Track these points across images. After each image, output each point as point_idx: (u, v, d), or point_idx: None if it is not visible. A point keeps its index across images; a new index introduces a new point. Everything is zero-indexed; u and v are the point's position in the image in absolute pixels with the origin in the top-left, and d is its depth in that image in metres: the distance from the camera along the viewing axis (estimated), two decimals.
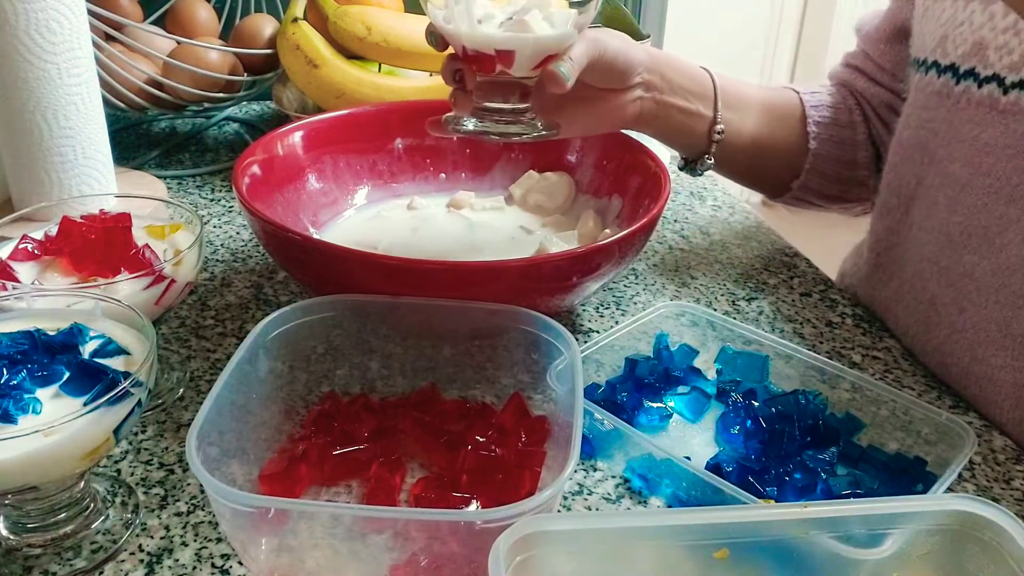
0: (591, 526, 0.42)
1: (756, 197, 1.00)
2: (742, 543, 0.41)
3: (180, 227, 0.62)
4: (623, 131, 0.76)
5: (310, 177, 0.76)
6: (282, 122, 0.82)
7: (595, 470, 0.56)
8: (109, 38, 0.90)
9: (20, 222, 0.62)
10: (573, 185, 0.80)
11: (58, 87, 0.71)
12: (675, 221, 0.90)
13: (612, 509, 0.54)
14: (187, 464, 0.49)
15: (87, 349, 0.48)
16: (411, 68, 0.96)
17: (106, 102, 0.80)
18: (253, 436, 0.53)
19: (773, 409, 0.57)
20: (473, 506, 0.49)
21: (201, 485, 0.49)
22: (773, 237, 0.88)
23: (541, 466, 0.53)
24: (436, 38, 0.61)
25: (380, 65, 0.98)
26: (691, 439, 0.59)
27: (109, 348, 0.48)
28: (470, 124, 0.62)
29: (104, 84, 0.85)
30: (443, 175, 0.83)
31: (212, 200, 0.91)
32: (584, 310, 0.73)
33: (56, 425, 0.42)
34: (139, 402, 0.46)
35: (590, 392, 0.59)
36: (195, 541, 0.50)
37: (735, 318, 0.71)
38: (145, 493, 0.53)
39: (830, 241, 1.09)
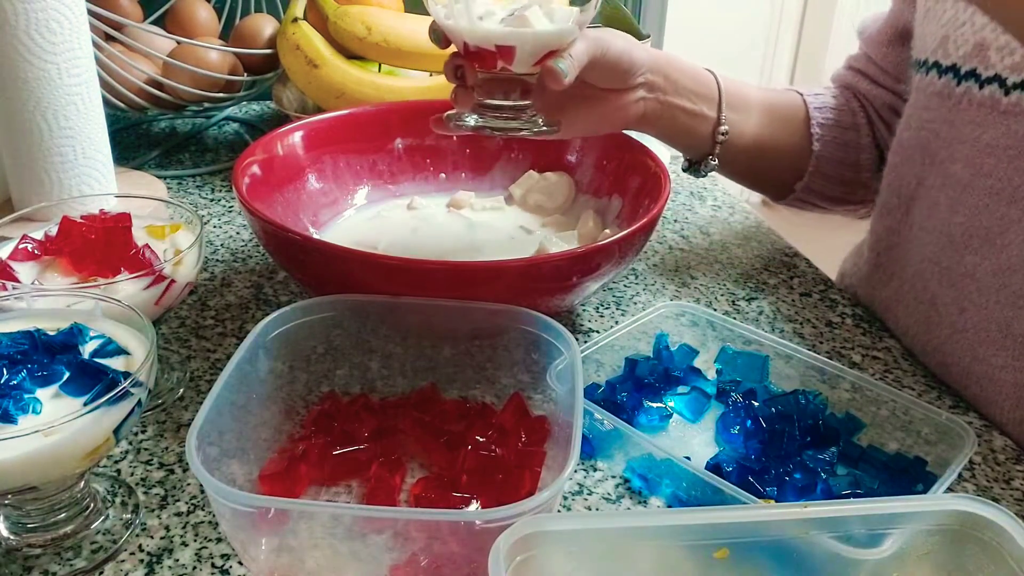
0: (591, 526, 0.42)
1: (756, 197, 1.00)
2: (742, 543, 0.41)
3: (180, 227, 0.62)
4: (624, 131, 0.76)
5: (310, 177, 0.76)
6: (282, 122, 0.82)
7: (595, 470, 0.56)
8: (109, 38, 0.90)
9: (20, 222, 0.62)
10: (573, 185, 0.80)
11: (58, 87, 0.71)
12: (675, 221, 0.90)
13: (612, 509, 0.54)
14: (187, 464, 0.49)
15: (87, 349, 0.48)
16: (411, 68, 0.96)
17: (106, 102, 0.80)
18: (253, 436, 0.53)
19: (773, 409, 0.57)
20: (473, 506, 0.49)
21: (201, 485, 0.49)
22: (773, 237, 0.88)
23: (541, 466, 0.53)
24: (439, 35, 0.61)
25: (380, 65, 0.98)
26: (691, 439, 0.59)
27: (109, 348, 0.48)
28: (471, 120, 0.62)
29: (104, 84, 0.85)
30: (443, 175, 0.83)
31: (212, 200, 0.91)
32: (584, 310, 0.73)
33: (56, 425, 0.42)
34: (139, 402, 0.46)
35: (590, 392, 0.59)
36: (195, 541, 0.50)
37: (735, 318, 0.71)
38: (145, 493, 0.53)
39: (830, 241, 1.09)
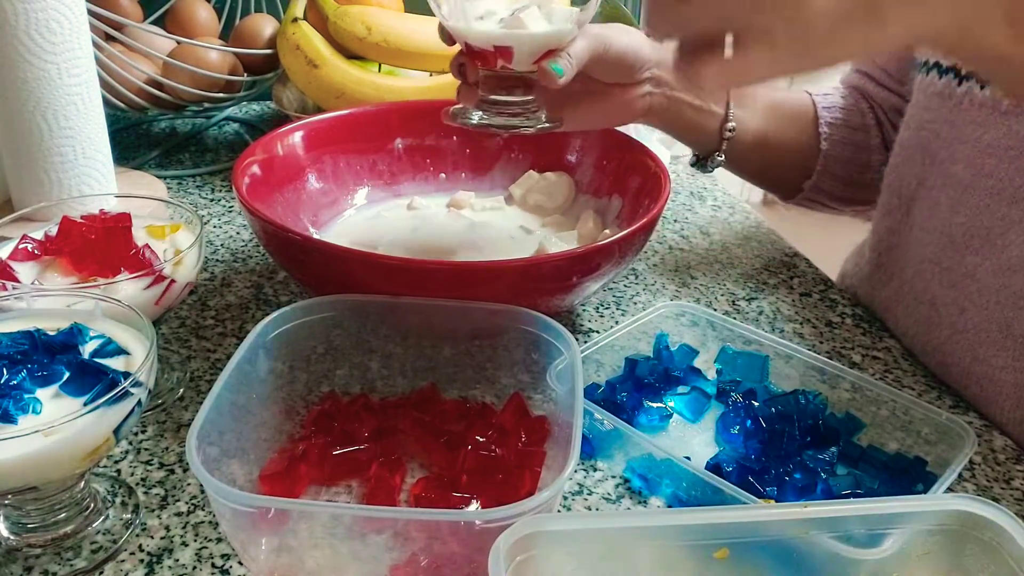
0: (591, 526, 0.42)
1: (756, 197, 1.00)
2: (742, 543, 0.41)
3: (180, 227, 0.62)
4: (624, 131, 0.77)
5: (310, 177, 0.76)
6: (282, 122, 0.82)
7: (595, 470, 0.56)
8: (109, 38, 0.90)
9: (20, 222, 0.62)
10: (573, 185, 0.80)
11: (58, 87, 0.71)
12: (675, 221, 0.90)
13: (612, 509, 0.54)
14: (187, 464, 0.49)
15: (87, 349, 0.48)
16: (411, 68, 0.96)
17: (106, 102, 0.80)
18: (253, 436, 0.53)
19: (773, 409, 0.57)
20: (473, 506, 0.49)
21: (201, 485, 0.49)
22: (773, 237, 0.88)
23: (541, 466, 0.53)
24: (445, 34, 0.63)
25: (380, 65, 0.98)
26: (691, 439, 0.59)
27: (109, 348, 0.48)
28: (475, 117, 0.63)
29: (104, 84, 0.85)
30: (443, 175, 0.83)
31: (212, 200, 0.91)
32: (584, 310, 0.73)
33: (56, 425, 0.42)
34: (139, 402, 0.46)
35: (590, 392, 0.59)
36: (195, 541, 0.50)
37: (735, 318, 0.71)
38: (145, 493, 0.53)
39: (830, 241, 1.09)
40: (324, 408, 0.57)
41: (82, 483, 0.49)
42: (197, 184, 0.95)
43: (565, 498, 0.54)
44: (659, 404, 0.60)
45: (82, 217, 0.60)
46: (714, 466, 0.53)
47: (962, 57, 0.42)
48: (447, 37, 0.63)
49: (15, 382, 0.45)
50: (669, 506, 0.54)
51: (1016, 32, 0.41)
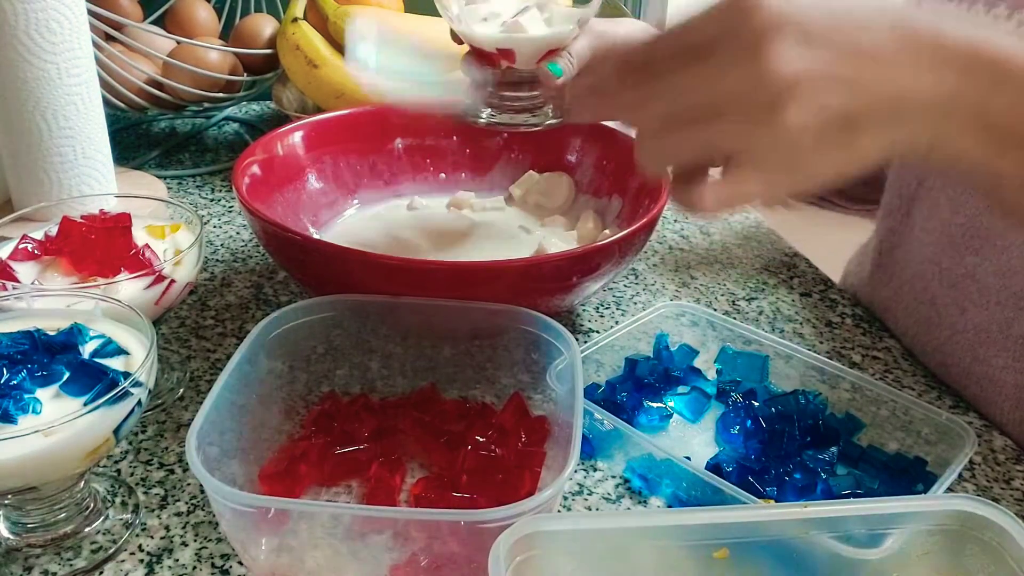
0: (591, 526, 0.42)
1: None
2: (742, 543, 0.41)
3: (180, 227, 0.62)
4: (624, 131, 0.76)
5: (310, 177, 0.76)
6: (282, 122, 0.82)
7: (595, 470, 0.56)
8: (109, 38, 0.90)
9: (20, 222, 0.62)
10: (573, 185, 0.80)
11: (58, 87, 0.71)
12: (675, 221, 0.90)
13: (612, 509, 0.54)
14: (187, 464, 0.49)
15: (87, 349, 0.48)
16: None
17: (106, 102, 0.80)
18: (253, 436, 0.53)
19: (773, 409, 0.57)
20: (473, 506, 0.49)
21: (201, 485, 0.49)
22: (773, 237, 0.88)
23: (541, 466, 0.53)
24: (454, 33, 0.64)
25: None
26: (691, 439, 0.59)
27: (109, 348, 0.48)
28: (484, 115, 0.65)
29: (104, 84, 0.85)
30: (443, 175, 0.83)
31: (212, 200, 0.91)
32: (584, 310, 0.73)
33: (56, 425, 0.42)
34: (139, 402, 0.46)
35: (590, 392, 0.59)
36: (195, 541, 0.50)
37: (735, 318, 0.71)
38: (145, 493, 0.53)
39: (830, 241, 1.09)
40: (324, 408, 0.57)
41: (82, 483, 0.49)
42: (197, 184, 0.95)
43: (565, 498, 0.54)
44: (659, 404, 0.60)
45: (82, 217, 0.60)
46: (714, 466, 0.53)
47: (938, 165, 0.42)
48: (456, 36, 0.64)
49: (15, 382, 0.45)
50: (669, 506, 0.54)
51: (988, 137, 0.41)
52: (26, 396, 0.44)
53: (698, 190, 0.41)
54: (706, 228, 0.89)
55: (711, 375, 0.63)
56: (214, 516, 0.51)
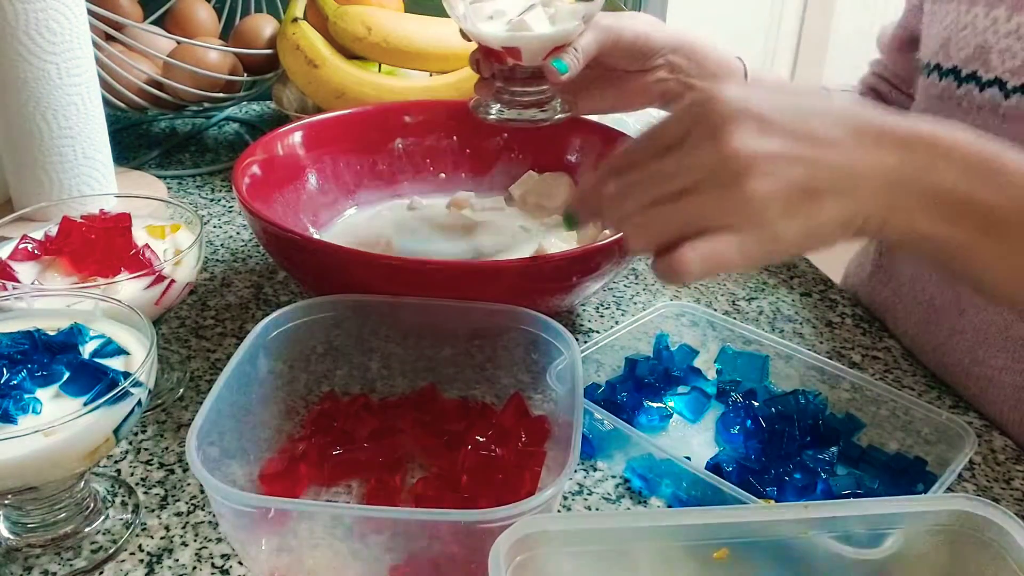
0: (591, 526, 0.42)
1: None
2: (742, 543, 0.41)
3: (180, 227, 0.62)
4: (624, 131, 0.77)
5: (310, 177, 0.76)
6: (282, 122, 0.82)
7: (595, 470, 0.56)
8: (109, 38, 0.90)
9: (20, 222, 0.62)
10: (573, 185, 0.80)
11: (58, 87, 0.71)
12: None
13: (612, 509, 0.54)
14: (187, 464, 0.49)
15: (87, 349, 0.48)
16: (411, 68, 0.96)
17: (106, 102, 0.80)
18: (253, 436, 0.53)
19: (773, 409, 0.57)
20: (473, 506, 0.49)
21: (201, 485, 0.49)
22: None
23: (541, 466, 0.53)
24: (462, 31, 0.66)
25: (380, 65, 0.97)
26: (691, 439, 0.59)
27: (109, 348, 0.48)
28: (493, 110, 0.67)
29: (104, 84, 0.85)
30: (443, 175, 0.83)
31: (212, 200, 0.91)
32: (584, 310, 0.73)
33: (56, 425, 0.42)
34: (139, 402, 0.46)
35: (590, 392, 0.59)
36: (195, 541, 0.50)
37: (735, 318, 0.71)
38: (145, 493, 0.53)
39: None
40: (324, 408, 0.57)
41: (82, 483, 0.49)
42: (197, 184, 0.95)
43: (565, 498, 0.54)
44: (659, 404, 0.60)
45: (82, 217, 0.60)
46: (714, 466, 0.53)
47: (899, 238, 0.45)
48: (464, 34, 0.65)
49: (15, 382, 0.45)
50: (669, 506, 0.54)
51: (938, 210, 0.44)
52: (26, 396, 0.44)
53: (680, 258, 0.44)
54: None
55: (711, 375, 0.63)
56: (214, 516, 0.51)
